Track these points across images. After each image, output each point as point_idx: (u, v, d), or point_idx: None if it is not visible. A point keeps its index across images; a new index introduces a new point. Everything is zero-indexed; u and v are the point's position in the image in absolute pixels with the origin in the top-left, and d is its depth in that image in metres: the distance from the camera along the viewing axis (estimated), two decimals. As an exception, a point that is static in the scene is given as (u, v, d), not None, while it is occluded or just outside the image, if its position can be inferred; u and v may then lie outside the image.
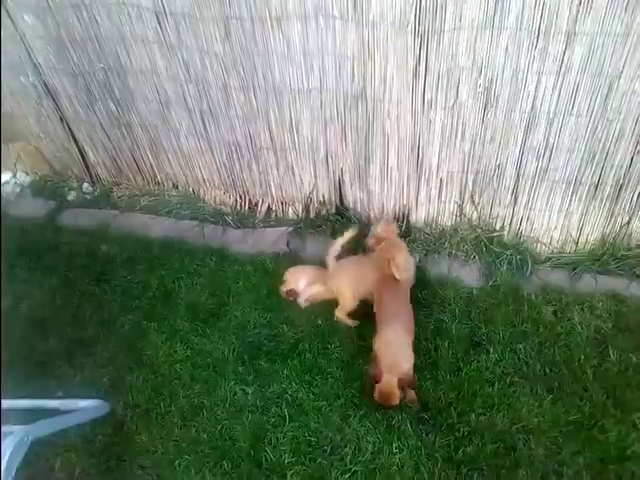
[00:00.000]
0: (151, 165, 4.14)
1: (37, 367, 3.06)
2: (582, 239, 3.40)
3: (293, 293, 3.30)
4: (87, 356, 3.12)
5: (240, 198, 4.07)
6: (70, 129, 4.13)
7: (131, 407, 2.85)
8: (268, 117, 3.45)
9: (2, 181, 4.58)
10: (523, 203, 3.33)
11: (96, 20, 3.40)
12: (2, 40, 3.61)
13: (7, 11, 3.46)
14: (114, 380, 2.99)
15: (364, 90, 3.12)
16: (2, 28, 3.54)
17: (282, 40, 3.06)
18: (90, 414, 2.72)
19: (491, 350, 2.91)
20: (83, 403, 2.72)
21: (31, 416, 2.36)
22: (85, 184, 4.46)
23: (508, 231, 3.46)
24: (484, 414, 2.65)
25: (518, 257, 3.36)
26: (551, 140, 3.03)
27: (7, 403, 2.42)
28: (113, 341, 3.19)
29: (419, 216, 3.58)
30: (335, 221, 3.79)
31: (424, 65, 2.88)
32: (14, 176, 4.59)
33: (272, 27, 3.02)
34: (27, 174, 4.59)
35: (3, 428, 2.12)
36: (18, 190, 4.52)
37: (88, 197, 4.41)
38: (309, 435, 2.65)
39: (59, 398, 2.74)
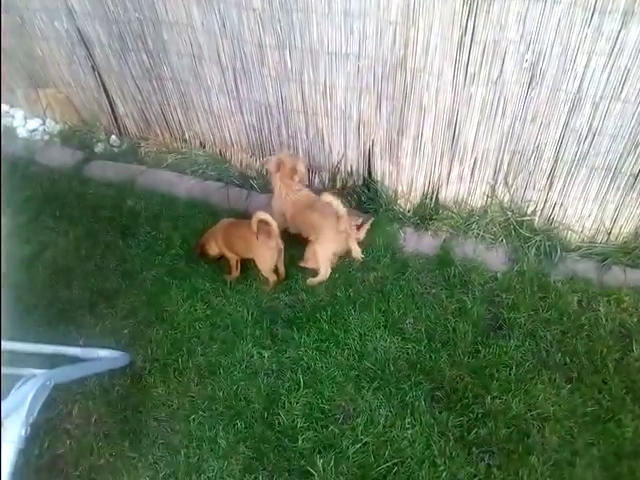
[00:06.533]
0: (180, 122, 4.10)
1: (59, 314, 3.12)
2: (615, 230, 3.28)
3: None
4: (109, 307, 3.16)
5: (267, 162, 4.02)
6: (101, 78, 4.09)
7: (150, 360, 2.89)
8: (302, 79, 3.36)
9: (31, 128, 4.60)
10: (558, 188, 3.21)
11: (133, -33, 3.33)
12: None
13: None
14: (134, 333, 3.03)
15: (404, 59, 3.00)
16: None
17: (324, -2, 2.95)
18: (110, 364, 2.77)
19: (512, 335, 2.88)
20: (103, 353, 2.75)
21: (50, 361, 2.40)
22: (113, 136, 4.45)
23: (539, 216, 3.36)
24: (500, 398, 2.63)
25: (547, 243, 3.27)
26: (595, 124, 2.89)
27: (29, 347, 2.47)
28: (135, 294, 3.22)
29: (448, 194, 3.49)
30: (361, 193, 3.73)
31: (470, 36, 2.76)
32: (43, 123, 4.61)
33: (314, -17, 2.91)
34: (56, 122, 4.59)
35: (25, 371, 2.15)
36: (47, 138, 4.53)
37: (115, 150, 4.42)
38: (322, 402, 2.67)
39: (80, 346, 2.78)
